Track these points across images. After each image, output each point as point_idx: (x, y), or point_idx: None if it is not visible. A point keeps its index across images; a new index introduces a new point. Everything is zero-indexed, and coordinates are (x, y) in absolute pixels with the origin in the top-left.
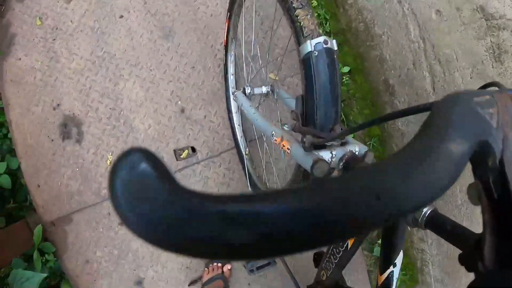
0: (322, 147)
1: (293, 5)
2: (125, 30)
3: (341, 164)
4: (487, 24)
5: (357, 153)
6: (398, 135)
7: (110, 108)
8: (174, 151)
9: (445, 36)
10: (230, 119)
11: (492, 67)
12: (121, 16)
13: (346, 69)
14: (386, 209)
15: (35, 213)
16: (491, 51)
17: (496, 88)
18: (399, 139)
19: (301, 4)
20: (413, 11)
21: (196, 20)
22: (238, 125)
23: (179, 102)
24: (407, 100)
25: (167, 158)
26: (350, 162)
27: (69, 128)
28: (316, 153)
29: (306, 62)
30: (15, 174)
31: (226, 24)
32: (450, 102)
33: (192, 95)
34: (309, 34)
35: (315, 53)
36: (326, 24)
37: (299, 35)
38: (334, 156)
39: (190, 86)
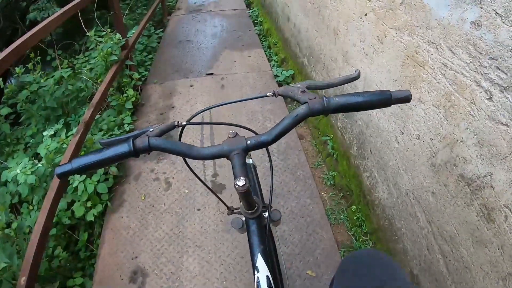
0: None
1: None
2: (199, 219)
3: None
4: (470, 189)
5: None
6: None
7: (171, 272)
8: None
9: (443, 214)
10: None
11: (487, 229)
12: (199, 209)
13: None
14: None
15: None
16: (481, 214)
17: None
18: None
19: None
20: (416, 199)
21: None
22: None
23: (225, 282)
24: None
25: None
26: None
27: (137, 276)
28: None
29: None
30: None
31: None
32: None
33: (236, 279)
34: None
35: None
36: (363, 225)
37: None
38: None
39: (236, 272)
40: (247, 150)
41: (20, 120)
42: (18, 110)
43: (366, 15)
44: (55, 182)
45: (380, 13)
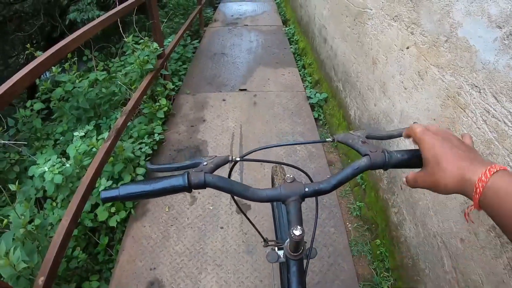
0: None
1: None
2: (221, 237)
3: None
4: (500, 242)
5: None
6: None
7: None
8: None
9: (470, 262)
10: None
11: None
12: (222, 227)
13: None
14: None
15: None
16: (509, 268)
17: None
18: None
19: None
20: (444, 243)
21: None
22: None
23: None
24: None
25: None
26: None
27: (154, 287)
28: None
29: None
30: None
31: None
32: None
33: None
34: None
35: None
36: (386, 260)
37: None
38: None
39: None
40: (304, 197)
41: (52, 117)
42: (51, 106)
43: (407, 48)
44: (82, 185)
45: (423, 48)
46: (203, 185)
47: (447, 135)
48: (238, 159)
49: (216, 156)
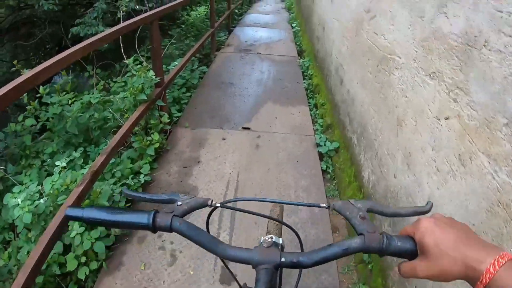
0: None
1: None
2: None
3: None
4: None
5: None
6: None
7: None
8: None
9: None
10: None
11: None
12: None
13: None
14: None
15: None
16: None
17: None
18: None
19: None
20: None
21: None
22: None
23: None
24: None
25: None
26: None
27: None
28: None
29: None
30: None
31: None
32: None
33: None
34: None
35: None
36: None
37: None
38: None
39: None
40: (278, 267)
41: (41, 138)
42: (39, 125)
43: (447, 118)
44: (48, 232)
45: (469, 125)
46: (169, 229)
47: (444, 219)
48: (218, 204)
49: (194, 196)
